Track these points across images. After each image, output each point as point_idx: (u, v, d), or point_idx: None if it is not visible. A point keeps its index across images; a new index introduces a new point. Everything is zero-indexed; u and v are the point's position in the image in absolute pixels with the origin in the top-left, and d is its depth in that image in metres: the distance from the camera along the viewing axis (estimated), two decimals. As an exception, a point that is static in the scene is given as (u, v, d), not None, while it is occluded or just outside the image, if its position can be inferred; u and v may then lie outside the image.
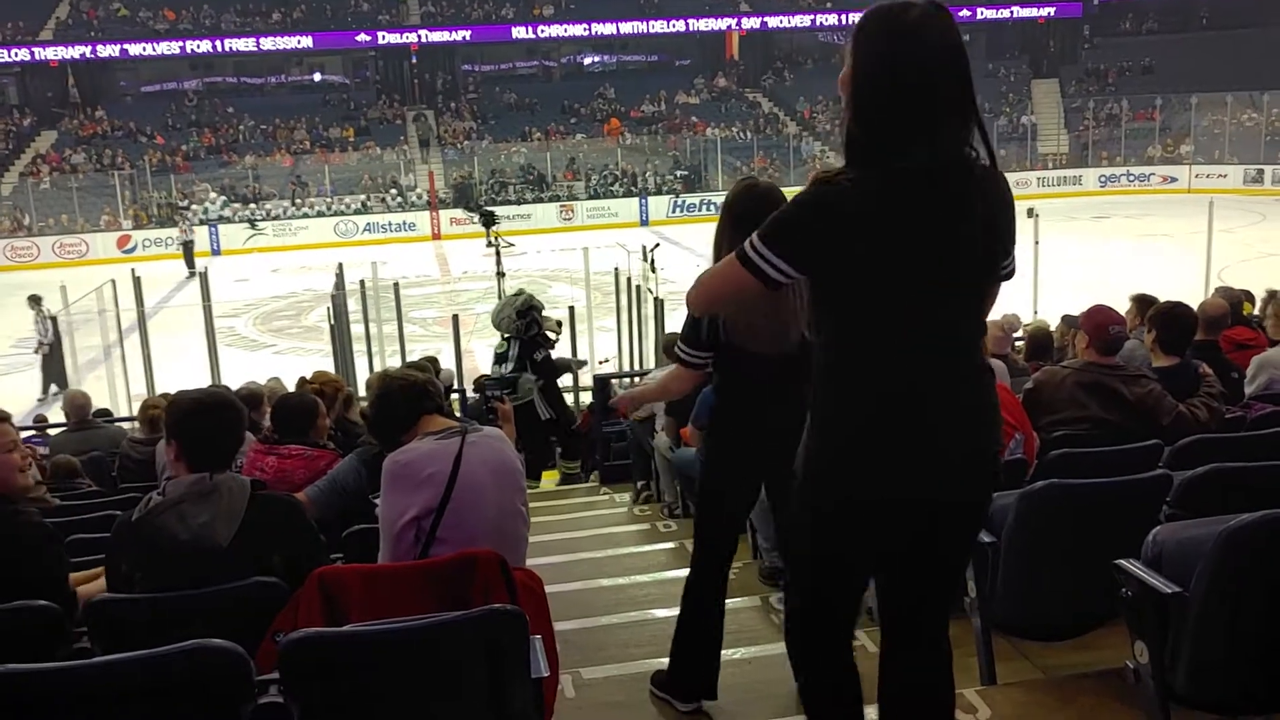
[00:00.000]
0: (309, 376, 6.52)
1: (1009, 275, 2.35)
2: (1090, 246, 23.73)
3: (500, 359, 8.98)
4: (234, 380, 9.63)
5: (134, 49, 37.32)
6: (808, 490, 2.34)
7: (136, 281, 13.45)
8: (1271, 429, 4.11)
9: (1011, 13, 41.87)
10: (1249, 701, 2.63)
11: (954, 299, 2.22)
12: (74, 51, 36.79)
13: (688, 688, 3.48)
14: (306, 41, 38.66)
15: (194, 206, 32.04)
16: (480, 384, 9.44)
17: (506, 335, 9.00)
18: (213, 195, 32.76)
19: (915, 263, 2.15)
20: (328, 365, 13.47)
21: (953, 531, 2.38)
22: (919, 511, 2.30)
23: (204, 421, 3.03)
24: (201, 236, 30.40)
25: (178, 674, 2.09)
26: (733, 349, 3.23)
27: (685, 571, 4.15)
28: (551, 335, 9.12)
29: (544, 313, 9.10)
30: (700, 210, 33.04)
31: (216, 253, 30.44)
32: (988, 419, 2.32)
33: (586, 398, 10.59)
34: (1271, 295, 6.57)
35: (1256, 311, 7.86)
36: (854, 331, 2.25)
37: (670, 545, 6.00)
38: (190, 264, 26.70)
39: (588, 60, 43.96)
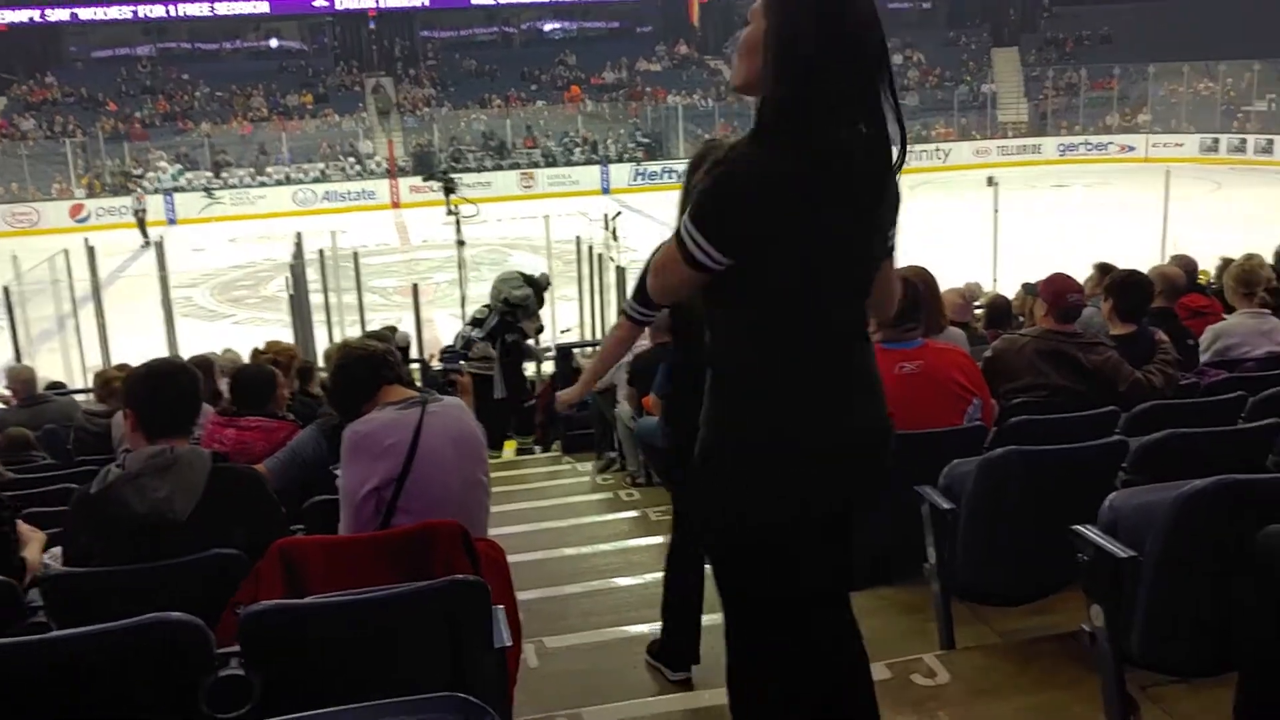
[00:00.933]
0: (262, 347, 6.45)
1: (893, 248, 2.26)
2: (1049, 215, 23.94)
3: (476, 323, 9.12)
4: (192, 351, 9.51)
5: (84, 13, 36.58)
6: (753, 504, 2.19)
7: (90, 251, 13.21)
8: (1225, 395, 4.17)
9: (973, -19, 41.99)
10: (1201, 663, 2.67)
11: (858, 291, 2.17)
12: (22, 15, 35.97)
13: (677, 655, 3.53)
14: (263, 6, 38.04)
15: (149, 174, 31.56)
16: (443, 355, 9.53)
17: (489, 305, 9.12)
18: (163, 164, 32.22)
19: (832, 250, 2.08)
20: (287, 335, 13.33)
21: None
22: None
23: (158, 389, 3.00)
24: (156, 205, 29.96)
25: (136, 648, 2.07)
26: (688, 311, 3.19)
27: (648, 540, 4.19)
28: (527, 336, 9.19)
29: (533, 315, 9.17)
30: (662, 178, 32.95)
31: (172, 222, 30.02)
32: (881, 401, 2.26)
33: (548, 368, 10.55)
34: (1227, 263, 6.64)
35: (1213, 278, 7.95)
36: (771, 325, 2.12)
37: (633, 514, 6.02)
38: (144, 234, 26.31)
39: (548, 27, 43.58)
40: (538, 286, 9.21)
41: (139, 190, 29.42)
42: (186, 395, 3.04)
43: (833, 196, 2.05)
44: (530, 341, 9.41)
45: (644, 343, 5.31)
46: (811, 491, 2.18)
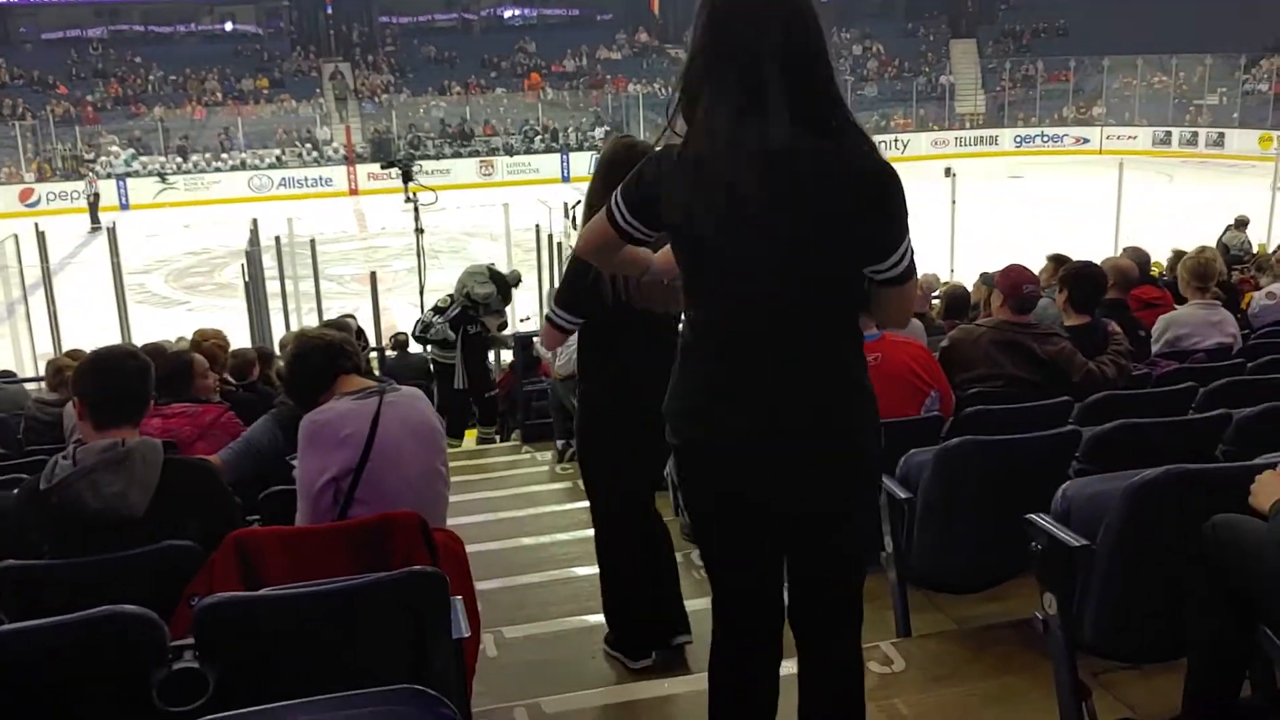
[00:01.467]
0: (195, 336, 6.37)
1: (892, 280, 2.13)
2: (1006, 205, 24.16)
3: (439, 310, 9.00)
4: (145, 339, 9.40)
5: (34, -6, 35.90)
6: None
7: (40, 236, 13.01)
8: (1176, 386, 4.23)
9: (931, -28, 42.25)
10: (1151, 650, 2.72)
11: (787, 297, 2.10)
12: (-30, -5, 35.29)
13: (632, 643, 3.53)
14: (218, -11, 37.54)
15: (101, 159, 31.06)
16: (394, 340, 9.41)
17: (452, 295, 9.01)
18: (115, 149, 31.69)
19: (723, 239, 2.06)
20: (243, 323, 13.22)
21: (810, 536, 2.27)
22: (764, 513, 2.23)
23: (106, 378, 2.95)
24: (109, 190, 29.57)
25: (88, 641, 2.04)
26: (626, 310, 3.19)
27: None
28: (489, 327, 9.05)
29: (495, 313, 9.03)
30: (622, 167, 32.83)
31: (125, 207, 29.58)
32: (825, 422, 2.16)
33: (507, 356, 10.51)
34: (1179, 256, 6.74)
35: (1165, 271, 8.07)
36: (690, 304, 2.21)
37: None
38: (95, 218, 25.93)
39: (508, 14, 43.30)
40: (504, 284, 9.07)
41: (91, 174, 28.94)
42: (135, 384, 2.99)
43: (713, 197, 2.04)
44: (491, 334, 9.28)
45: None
46: (706, 478, 2.24)
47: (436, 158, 32.61)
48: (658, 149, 2.17)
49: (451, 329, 8.84)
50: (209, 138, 33.25)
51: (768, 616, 2.34)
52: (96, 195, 27.40)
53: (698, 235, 2.10)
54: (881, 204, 2.06)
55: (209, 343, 5.88)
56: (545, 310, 3.49)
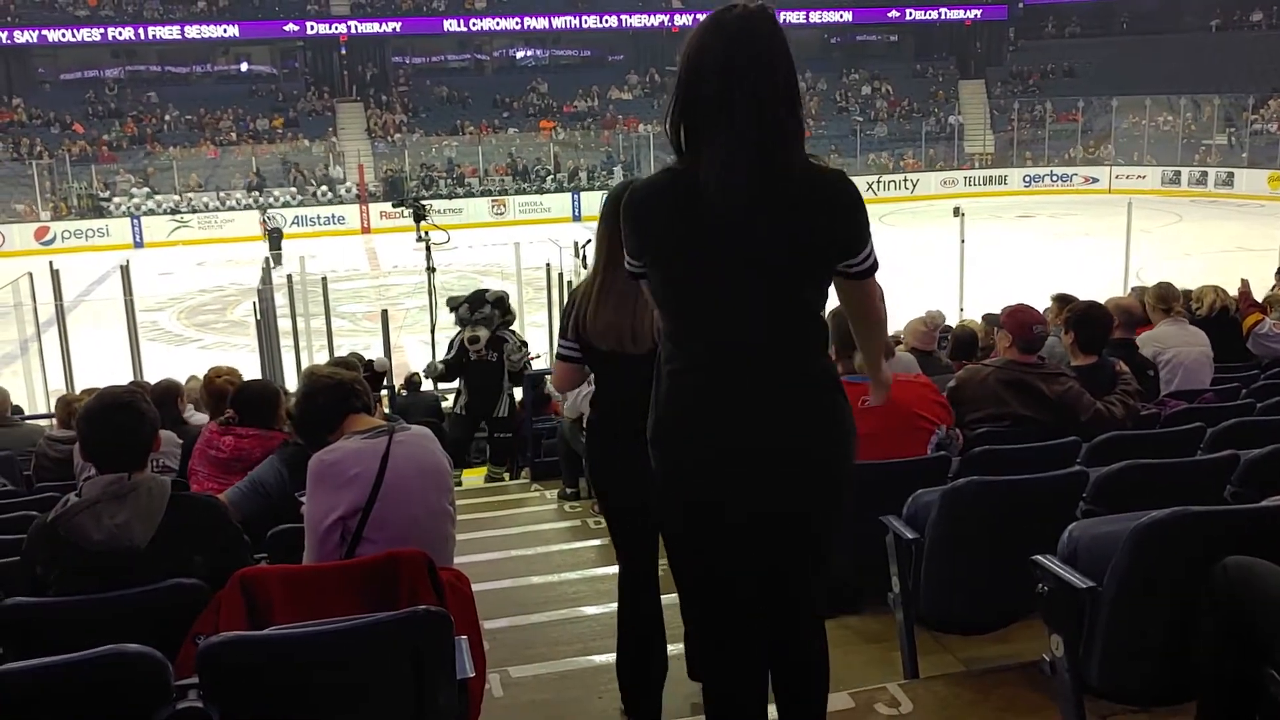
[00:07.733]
0: (211, 372, 6.31)
1: (861, 273, 2.31)
2: (1014, 245, 24.18)
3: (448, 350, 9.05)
4: (157, 376, 9.44)
5: (53, 35, 36.28)
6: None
7: (55, 274, 13.11)
8: (1184, 426, 4.22)
9: (940, 14, 42.45)
10: (1158, 692, 2.70)
11: (742, 297, 2.24)
12: (-10, 37, 35.72)
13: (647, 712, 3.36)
14: (233, 31, 37.91)
15: (116, 198, 31.35)
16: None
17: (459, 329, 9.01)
18: (134, 191, 31.98)
19: (693, 257, 2.24)
20: (254, 361, 13.26)
21: (780, 539, 2.37)
22: (736, 519, 2.33)
23: (96, 429, 2.96)
24: (123, 229, 29.81)
25: (92, 680, 2.05)
26: (588, 347, 3.16)
27: (614, 568, 4.16)
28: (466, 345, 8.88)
29: (471, 322, 8.89)
30: (633, 206, 32.94)
31: (139, 245, 29.79)
32: (798, 423, 2.29)
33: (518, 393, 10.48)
34: (1146, 289, 6.78)
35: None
36: (666, 324, 2.36)
37: (600, 542, 6.00)
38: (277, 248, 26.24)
39: (520, 54, 43.71)
40: (476, 299, 8.93)
41: (267, 212, 29.09)
42: (128, 437, 2.95)
43: (702, 217, 2.21)
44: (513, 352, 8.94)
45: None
46: (687, 497, 2.36)
47: (449, 197, 32.79)
48: (638, 181, 2.38)
49: (450, 362, 8.89)
50: (220, 177, 33.49)
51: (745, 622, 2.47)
52: (279, 230, 27.50)
53: (687, 256, 2.25)
54: (854, 201, 2.25)
55: (221, 379, 5.85)
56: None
